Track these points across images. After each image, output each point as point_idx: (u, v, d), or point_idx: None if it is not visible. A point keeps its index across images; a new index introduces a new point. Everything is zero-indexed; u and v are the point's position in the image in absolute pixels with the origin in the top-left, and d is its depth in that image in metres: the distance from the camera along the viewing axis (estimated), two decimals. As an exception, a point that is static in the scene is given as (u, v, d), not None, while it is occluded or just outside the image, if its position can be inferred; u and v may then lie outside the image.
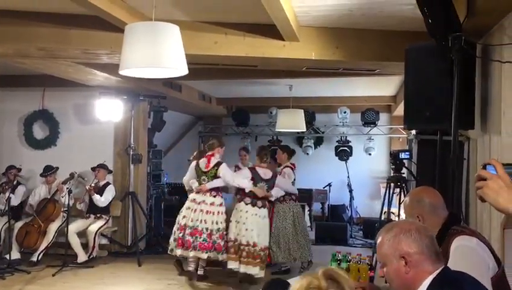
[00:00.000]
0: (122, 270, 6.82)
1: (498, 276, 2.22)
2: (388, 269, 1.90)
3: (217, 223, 5.96)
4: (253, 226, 5.97)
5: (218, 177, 6.02)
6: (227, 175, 6.04)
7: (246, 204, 6.04)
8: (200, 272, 6.14)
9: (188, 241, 5.88)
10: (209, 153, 6.18)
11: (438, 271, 1.84)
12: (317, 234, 8.88)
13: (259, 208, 6.08)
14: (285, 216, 6.62)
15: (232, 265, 5.94)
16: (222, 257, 5.97)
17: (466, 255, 2.20)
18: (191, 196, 6.12)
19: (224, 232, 6.02)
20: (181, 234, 5.95)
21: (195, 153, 6.80)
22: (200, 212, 5.94)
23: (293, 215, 6.66)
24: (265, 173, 6.19)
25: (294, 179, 7.04)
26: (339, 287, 1.42)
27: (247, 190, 6.04)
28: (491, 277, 2.17)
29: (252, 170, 6.21)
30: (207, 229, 5.91)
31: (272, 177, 6.22)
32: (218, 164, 6.07)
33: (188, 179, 6.28)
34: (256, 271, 5.91)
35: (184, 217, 6.01)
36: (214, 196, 6.04)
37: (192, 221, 5.93)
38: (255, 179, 6.11)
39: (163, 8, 4.12)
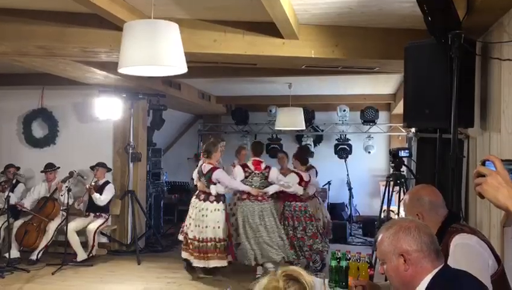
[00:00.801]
0: (121, 269, 6.82)
1: (498, 274, 2.22)
2: (388, 267, 1.91)
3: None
4: (196, 221, 6.21)
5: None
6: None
7: (195, 198, 6.39)
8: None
9: None
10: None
11: (437, 269, 1.84)
12: (317, 232, 8.87)
13: (200, 200, 6.28)
14: (252, 214, 6.32)
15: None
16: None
17: (466, 253, 2.20)
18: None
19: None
20: None
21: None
22: None
23: (259, 213, 6.36)
24: (204, 167, 6.30)
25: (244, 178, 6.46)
26: (300, 287, 1.41)
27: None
28: (491, 275, 2.17)
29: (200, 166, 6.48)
30: None
31: (208, 172, 6.21)
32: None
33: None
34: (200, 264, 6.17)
35: None
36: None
37: None
38: (199, 174, 6.37)
39: (162, 6, 4.11)
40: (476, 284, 1.83)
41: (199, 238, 6.13)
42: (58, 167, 7.51)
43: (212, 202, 6.22)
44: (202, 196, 6.26)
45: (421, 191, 2.58)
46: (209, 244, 6.11)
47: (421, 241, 1.85)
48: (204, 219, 6.16)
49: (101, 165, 7.48)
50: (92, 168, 7.48)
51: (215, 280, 6.15)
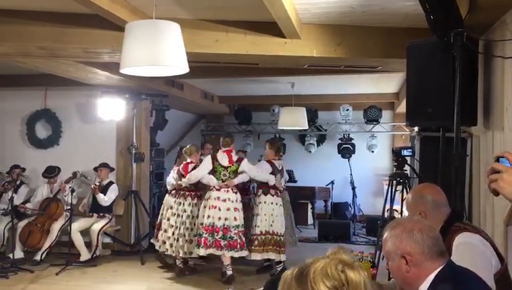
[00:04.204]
0: (125, 269, 6.83)
1: (500, 273, 2.21)
2: (391, 265, 1.95)
3: (241, 219, 6.24)
4: (274, 216, 6.41)
5: (239, 172, 6.27)
6: (253, 171, 6.40)
7: (272, 195, 6.47)
8: (229, 271, 6.14)
9: (219, 241, 6.03)
10: (227, 148, 6.37)
11: (439, 268, 1.84)
12: (320, 232, 8.88)
13: (278, 196, 6.57)
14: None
15: (257, 257, 6.33)
16: (244, 253, 6.18)
17: (468, 251, 2.20)
18: (214, 193, 6.14)
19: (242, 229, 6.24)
20: (214, 235, 6.04)
21: (190, 147, 6.73)
22: (227, 211, 6.09)
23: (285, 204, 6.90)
24: (279, 164, 6.72)
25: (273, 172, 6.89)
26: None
27: (271, 184, 6.43)
28: (494, 274, 2.17)
29: (271, 162, 6.63)
30: (238, 226, 6.14)
31: (282, 168, 6.79)
32: (239, 160, 6.36)
33: (204, 174, 6.25)
34: (274, 256, 6.36)
35: (211, 217, 6.08)
36: (235, 193, 6.25)
37: (219, 220, 6.05)
38: (274, 172, 6.55)
39: (164, 6, 4.12)
40: (478, 281, 1.83)
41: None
42: (59, 169, 7.51)
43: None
44: (273, 191, 6.50)
45: (424, 190, 2.57)
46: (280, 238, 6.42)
47: (424, 244, 1.86)
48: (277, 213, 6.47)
49: (104, 165, 7.49)
50: (96, 169, 7.49)
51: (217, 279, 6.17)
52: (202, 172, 6.24)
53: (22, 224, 7.12)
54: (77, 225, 7.09)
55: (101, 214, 7.38)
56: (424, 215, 2.42)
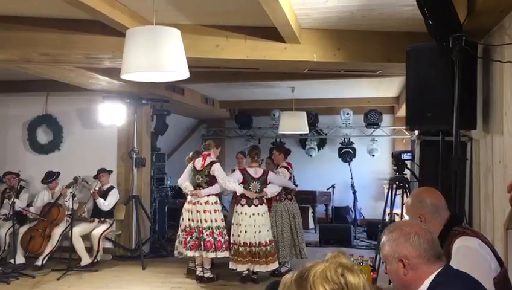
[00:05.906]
0: (126, 274, 6.83)
1: (500, 277, 2.22)
2: (389, 269, 1.96)
3: (216, 221, 6.18)
4: (251, 226, 6.14)
5: (211, 175, 6.20)
6: (220, 177, 6.20)
7: (242, 205, 6.23)
8: (207, 274, 6.24)
9: (195, 243, 6.12)
10: (206, 152, 6.38)
11: (436, 272, 1.85)
12: (321, 236, 8.87)
13: (256, 206, 6.23)
14: (281, 214, 6.69)
15: (241, 268, 6.15)
16: (222, 254, 6.15)
17: (468, 255, 2.20)
18: (188, 197, 6.35)
19: (224, 231, 6.23)
20: (186, 237, 6.19)
21: (191, 154, 6.94)
22: (197, 213, 6.16)
23: (288, 213, 6.74)
24: (256, 171, 6.36)
25: (291, 178, 7.04)
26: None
27: (238, 193, 6.23)
28: (493, 278, 2.17)
29: (243, 171, 6.38)
30: (209, 227, 6.13)
31: (262, 175, 6.35)
32: (211, 163, 6.26)
33: (183, 181, 6.42)
34: (264, 269, 6.16)
35: (188, 219, 6.23)
36: (207, 195, 6.21)
37: (193, 221, 6.17)
38: (246, 180, 6.28)
39: (165, 12, 4.14)
40: (476, 286, 1.84)
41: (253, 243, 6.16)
42: (58, 173, 7.52)
43: (264, 204, 6.36)
44: (256, 201, 6.26)
45: (423, 194, 2.58)
46: (265, 247, 6.19)
47: (420, 248, 1.87)
48: (259, 224, 6.21)
49: (103, 170, 7.49)
50: (95, 177, 7.49)
51: (218, 284, 6.18)
52: (181, 179, 6.47)
53: (23, 229, 7.13)
54: (78, 230, 7.09)
55: (102, 219, 7.39)
56: (423, 219, 2.43)
